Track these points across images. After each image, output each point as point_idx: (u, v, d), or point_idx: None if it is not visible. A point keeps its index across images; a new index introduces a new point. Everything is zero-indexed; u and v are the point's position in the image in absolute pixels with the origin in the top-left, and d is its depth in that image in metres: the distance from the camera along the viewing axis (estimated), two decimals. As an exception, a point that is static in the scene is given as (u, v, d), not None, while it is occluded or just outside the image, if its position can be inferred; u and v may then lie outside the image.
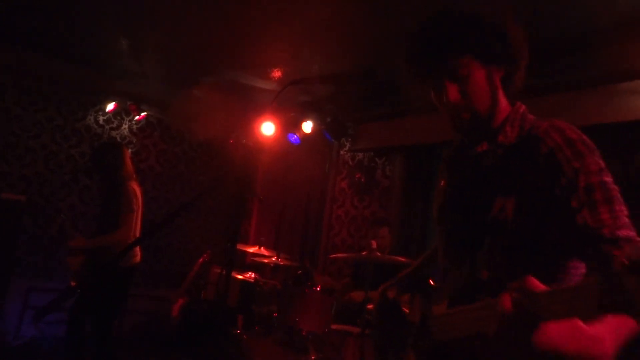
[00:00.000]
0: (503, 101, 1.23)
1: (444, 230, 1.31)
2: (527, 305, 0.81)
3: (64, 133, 5.34)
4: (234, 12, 3.49)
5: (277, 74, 4.60)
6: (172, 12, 3.64)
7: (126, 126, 5.82)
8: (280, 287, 4.32)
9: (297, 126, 5.16)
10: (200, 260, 5.10)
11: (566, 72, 3.44)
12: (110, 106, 5.50)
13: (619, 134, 3.25)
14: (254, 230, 6.46)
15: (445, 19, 1.18)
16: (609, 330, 0.83)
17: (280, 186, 6.15)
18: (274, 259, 4.29)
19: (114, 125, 5.72)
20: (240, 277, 4.35)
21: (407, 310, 1.38)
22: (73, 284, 3.23)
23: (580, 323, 0.78)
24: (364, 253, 3.04)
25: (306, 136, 5.21)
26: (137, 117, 5.71)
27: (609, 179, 1.06)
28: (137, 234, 3.48)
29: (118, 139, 5.70)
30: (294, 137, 5.19)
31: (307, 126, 5.13)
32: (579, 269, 1.12)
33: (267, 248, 4.52)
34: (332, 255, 3.65)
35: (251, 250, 4.42)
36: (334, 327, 3.46)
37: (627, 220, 1.03)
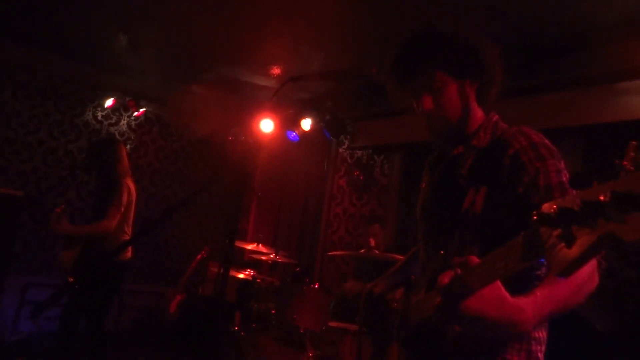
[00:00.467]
0: (476, 111, 1.37)
1: (424, 227, 1.45)
2: (463, 278, 0.93)
3: (62, 129, 5.32)
4: (233, 8, 3.48)
5: (276, 71, 4.59)
6: (171, 9, 3.63)
7: (125, 122, 5.80)
8: (278, 284, 4.32)
9: (295, 123, 5.16)
10: (198, 256, 5.10)
11: (567, 70, 3.44)
12: (108, 102, 5.48)
13: (619, 133, 3.26)
14: (252, 227, 6.46)
15: (422, 38, 1.33)
16: (533, 301, 0.97)
17: (279, 183, 6.15)
18: (272, 256, 4.29)
19: (113, 121, 5.71)
20: (238, 274, 4.35)
21: (394, 305, 1.43)
22: (71, 279, 3.23)
23: (505, 293, 0.93)
24: (362, 251, 3.05)
25: (305, 133, 5.20)
26: (135, 113, 5.69)
27: (567, 180, 1.17)
28: (130, 230, 3.49)
29: (116, 135, 5.69)
30: (292, 135, 5.19)
31: (306, 123, 5.13)
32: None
33: (265, 245, 4.53)
34: (330, 253, 3.66)
35: (249, 247, 4.42)
36: (331, 324, 3.46)
37: None
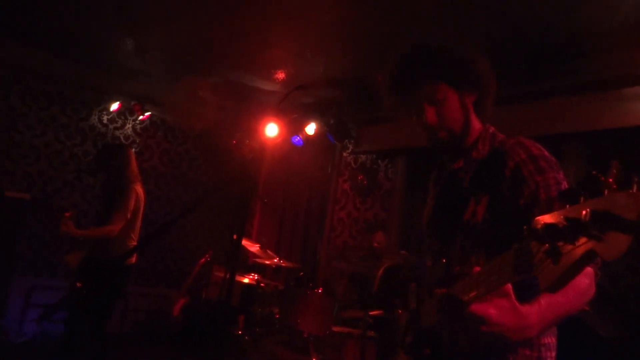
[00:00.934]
0: (475, 122, 1.42)
1: (429, 238, 1.51)
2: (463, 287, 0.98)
3: (68, 132, 5.36)
4: (238, 13, 3.50)
5: (280, 75, 4.62)
6: (176, 13, 3.66)
7: (130, 126, 5.84)
8: (282, 288, 4.33)
9: (300, 128, 5.17)
10: (202, 260, 5.12)
11: (571, 75, 3.45)
12: (114, 106, 5.52)
13: (625, 138, 3.26)
14: (256, 231, 6.47)
15: (421, 52, 1.37)
16: (537, 308, 1.00)
17: (283, 187, 6.16)
18: (275, 260, 4.30)
19: (118, 124, 5.75)
20: (242, 278, 4.36)
21: (398, 311, 1.45)
22: (79, 284, 3.25)
23: (512, 300, 0.96)
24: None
25: (309, 138, 5.22)
26: (140, 117, 5.72)
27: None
28: (136, 236, 3.51)
29: (122, 139, 5.72)
30: (297, 139, 5.20)
31: (310, 128, 5.14)
32: None
33: (269, 249, 4.53)
34: (334, 264, 3.55)
35: (254, 249, 4.43)
36: (335, 329, 3.47)
37: None
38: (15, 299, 4.70)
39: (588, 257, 0.66)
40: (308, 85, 3.97)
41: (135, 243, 3.50)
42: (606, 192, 0.66)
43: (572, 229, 0.68)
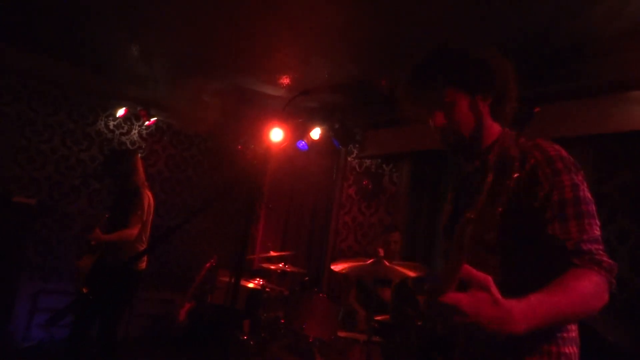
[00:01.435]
0: (492, 125, 1.39)
1: (444, 243, 1.50)
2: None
3: (74, 137, 5.40)
4: (243, 18, 3.53)
5: (285, 80, 4.63)
6: (182, 19, 3.68)
7: (136, 131, 5.87)
8: (287, 293, 4.33)
9: (305, 133, 5.19)
10: (207, 264, 5.13)
11: (576, 79, 3.44)
12: (120, 111, 5.56)
13: (630, 142, 3.24)
14: (261, 235, 6.48)
15: (433, 56, 1.37)
16: (526, 303, 0.98)
17: (288, 192, 6.17)
18: (281, 265, 4.30)
19: (124, 130, 5.78)
20: (247, 283, 4.37)
21: (408, 311, 1.48)
22: (85, 290, 3.27)
23: (488, 294, 0.94)
24: (369, 261, 3.03)
25: (314, 142, 5.23)
26: (146, 123, 5.76)
27: (583, 194, 1.17)
28: (146, 239, 3.53)
29: (128, 144, 5.76)
30: (302, 144, 5.22)
31: (315, 133, 5.15)
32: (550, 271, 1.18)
33: (274, 254, 4.54)
34: (335, 269, 3.33)
35: (260, 257, 4.44)
36: (340, 333, 3.46)
37: (595, 233, 1.14)
38: (22, 303, 4.72)
39: None
40: (313, 90, 3.98)
41: (145, 247, 3.53)
42: None
43: None
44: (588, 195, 1.18)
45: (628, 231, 3.16)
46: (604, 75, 3.29)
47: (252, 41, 3.88)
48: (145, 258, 3.51)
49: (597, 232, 1.15)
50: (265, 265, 4.42)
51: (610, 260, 1.11)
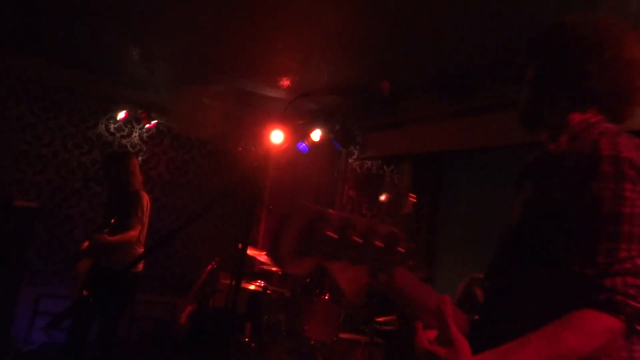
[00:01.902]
0: (576, 112, 1.16)
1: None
2: None
3: (75, 141, 5.40)
4: (244, 21, 3.53)
5: (285, 82, 4.64)
6: (183, 22, 3.69)
7: (136, 134, 5.87)
8: (288, 295, 4.32)
9: (305, 134, 5.18)
10: (209, 267, 5.12)
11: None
12: (121, 114, 5.56)
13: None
14: (262, 238, 6.47)
15: (544, 30, 1.33)
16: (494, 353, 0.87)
17: (289, 194, 6.16)
18: (282, 266, 4.28)
19: (125, 133, 5.79)
20: (248, 285, 4.36)
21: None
22: (85, 292, 3.27)
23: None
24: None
25: (315, 144, 5.23)
26: (147, 126, 5.76)
27: (627, 210, 0.91)
28: (144, 243, 3.53)
29: (128, 147, 5.76)
30: (302, 145, 5.21)
31: (316, 134, 5.15)
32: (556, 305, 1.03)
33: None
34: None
35: (259, 256, 4.43)
36: (342, 335, 3.45)
37: (627, 265, 0.88)
38: (23, 307, 4.72)
39: None
40: (313, 92, 3.97)
41: (142, 250, 3.53)
42: None
43: None
44: (632, 209, 0.91)
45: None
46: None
47: (253, 43, 3.88)
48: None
49: (630, 259, 0.89)
50: (266, 267, 4.41)
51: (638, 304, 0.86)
